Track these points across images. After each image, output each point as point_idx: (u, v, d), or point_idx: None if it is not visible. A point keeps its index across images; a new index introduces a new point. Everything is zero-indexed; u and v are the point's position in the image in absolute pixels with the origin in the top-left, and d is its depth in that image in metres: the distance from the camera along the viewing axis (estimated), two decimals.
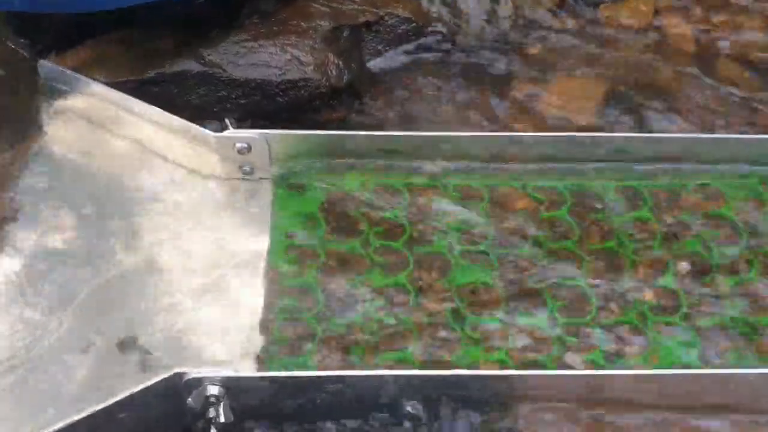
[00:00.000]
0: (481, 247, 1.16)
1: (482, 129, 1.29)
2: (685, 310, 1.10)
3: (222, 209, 1.18)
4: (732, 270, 1.14)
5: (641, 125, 1.31)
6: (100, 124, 1.24)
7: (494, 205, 1.19)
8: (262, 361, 1.03)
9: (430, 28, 1.38)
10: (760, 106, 1.33)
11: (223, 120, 1.19)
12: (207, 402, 0.95)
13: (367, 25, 1.35)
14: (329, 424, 1.00)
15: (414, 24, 1.37)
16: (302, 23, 1.29)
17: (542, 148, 1.20)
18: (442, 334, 1.08)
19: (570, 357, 1.06)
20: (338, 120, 1.30)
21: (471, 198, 1.20)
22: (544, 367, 1.05)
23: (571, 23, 1.43)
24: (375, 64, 1.37)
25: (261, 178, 1.20)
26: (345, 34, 1.32)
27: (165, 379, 0.93)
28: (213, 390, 0.95)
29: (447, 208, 1.19)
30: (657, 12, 1.45)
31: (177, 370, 0.94)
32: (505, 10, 1.42)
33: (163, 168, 1.21)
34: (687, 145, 1.21)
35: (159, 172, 1.21)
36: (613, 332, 1.08)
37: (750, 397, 1.01)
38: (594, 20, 1.43)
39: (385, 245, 1.16)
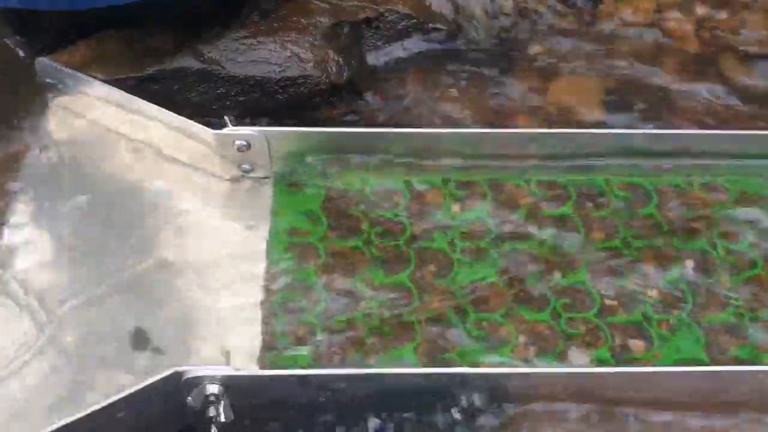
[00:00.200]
0: (484, 245, 1.15)
1: (484, 126, 1.28)
2: (690, 307, 1.09)
3: (222, 207, 1.17)
4: (738, 266, 1.13)
5: (644, 122, 1.30)
6: (99, 122, 1.23)
7: (497, 202, 1.18)
8: (262, 359, 1.02)
9: (430, 25, 1.37)
10: (764, 102, 1.32)
11: (222, 117, 1.18)
12: (207, 401, 0.93)
13: (367, 21, 1.34)
14: (330, 422, 0.99)
15: (414, 20, 1.36)
16: (302, 20, 1.29)
17: (545, 144, 1.19)
18: (445, 332, 1.07)
19: (575, 354, 1.05)
20: (338, 117, 1.29)
21: (473, 195, 1.19)
22: (548, 364, 1.04)
23: (572, 20, 1.42)
24: (375, 60, 1.36)
25: (261, 176, 1.19)
26: (345, 30, 1.32)
27: (164, 377, 0.92)
28: (213, 389, 0.93)
29: (449, 206, 1.18)
30: (658, 9, 1.44)
31: (176, 368, 0.93)
32: (506, 6, 1.41)
33: (163, 166, 1.20)
34: (692, 141, 1.20)
35: (158, 170, 1.20)
36: (619, 329, 1.07)
37: (758, 395, 1.00)
38: (596, 17, 1.42)
39: (387, 243, 1.15)
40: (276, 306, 1.08)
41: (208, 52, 1.25)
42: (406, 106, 1.31)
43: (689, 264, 1.13)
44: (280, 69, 1.25)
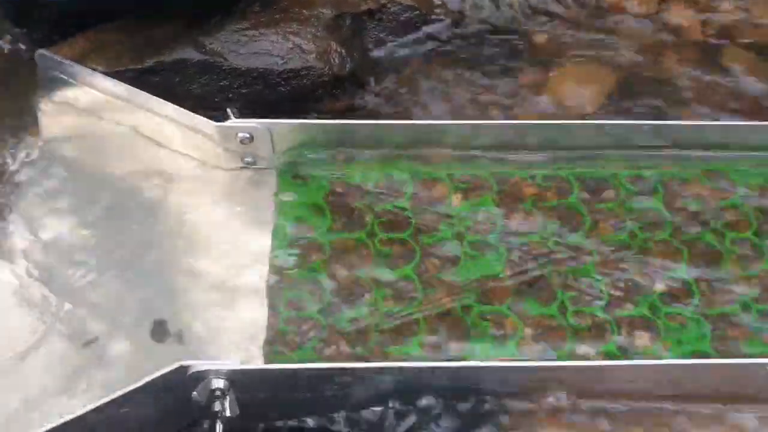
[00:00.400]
0: (489, 238, 1.14)
1: (488, 117, 1.27)
2: (697, 299, 1.08)
3: (225, 200, 1.16)
4: (744, 258, 1.12)
5: (648, 113, 1.29)
6: (100, 114, 1.22)
7: (502, 194, 1.18)
8: (267, 353, 1.02)
9: (433, 16, 1.36)
10: None
11: (225, 110, 1.17)
12: (212, 395, 0.93)
13: (370, 12, 1.33)
14: (336, 417, 0.99)
15: (417, 11, 1.35)
16: (304, 11, 1.27)
17: (550, 136, 1.18)
18: (450, 325, 1.06)
19: (582, 348, 1.04)
20: (341, 109, 1.28)
21: (478, 187, 1.18)
22: (554, 358, 1.03)
23: (576, 11, 1.41)
24: (377, 52, 1.35)
25: (264, 169, 1.18)
26: (347, 22, 1.31)
27: (169, 372, 0.92)
28: (218, 383, 0.93)
29: (453, 198, 1.17)
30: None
31: (181, 362, 0.92)
32: None
33: (165, 159, 1.19)
34: (697, 132, 1.19)
35: (160, 163, 1.19)
36: (625, 322, 1.07)
37: (765, 389, 1.00)
38: (600, 8, 1.41)
39: (391, 236, 1.14)
40: (280, 300, 1.07)
41: (210, 44, 1.24)
42: (410, 98, 1.31)
43: (695, 257, 1.12)
44: (282, 61, 1.24)
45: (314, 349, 1.03)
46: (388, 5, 1.34)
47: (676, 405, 1.01)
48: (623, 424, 0.99)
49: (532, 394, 1.00)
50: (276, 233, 1.13)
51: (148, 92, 1.18)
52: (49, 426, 0.87)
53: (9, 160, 1.19)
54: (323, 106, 1.27)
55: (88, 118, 1.22)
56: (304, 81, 1.25)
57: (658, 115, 1.29)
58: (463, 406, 0.99)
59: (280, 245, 1.12)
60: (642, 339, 1.06)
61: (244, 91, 1.25)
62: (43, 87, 1.25)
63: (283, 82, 1.24)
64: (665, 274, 1.11)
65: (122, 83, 1.20)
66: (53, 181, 1.16)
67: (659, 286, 1.10)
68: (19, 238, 1.11)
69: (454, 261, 1.12)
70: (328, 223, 1.14)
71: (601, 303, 1.08)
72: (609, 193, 1.18)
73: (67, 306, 1.05)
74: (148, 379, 0.90)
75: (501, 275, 1.11)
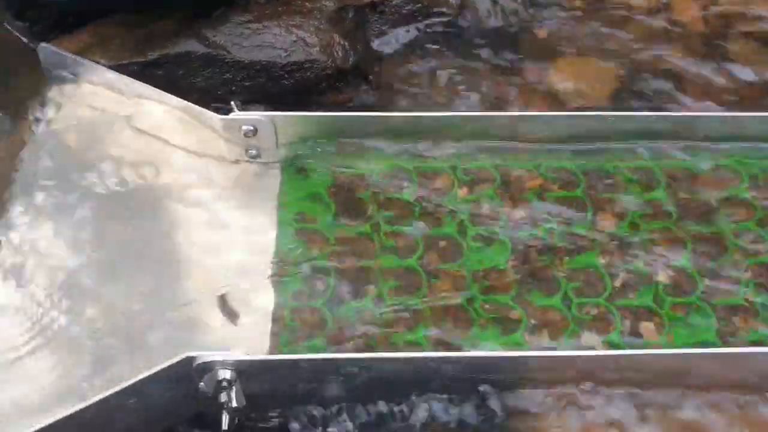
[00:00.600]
0: (494, 229, 1.14)
1: (491, 109, 1.28)
2: (701, 289, 1.09)
3: (229, 193, 1.16)
4: (748, 248, 1.12)
5: (652, 105, 1.29)
6: (103, 108, 1.22)
7: (506, 186, 1.18)
8: (273, 344, 1.02)
9: (435, 8, 1.36)
10: None
11: (229, 102, 1.17)
12: (219, 386, 0.93)
13: (372, 5, 1.34)
14: (342, 407, 0.99)
15: (419, 4, 1.36)
16: (307, 3, 1.28)
17: (554, 127, 1.18)
18: (456, 317, 1.06)
19: (587, 338, 1.05)
20: (344, 102, 1.28)
21: (482, 179, 1.18)
22: (559, 348, 1.03)
23: (579, 4, 1.41)
24: (380, 45, 1.35)
25: (268, 162, 1.18)
26: (350, 14, 1.31)
27: (175, 363, 0.92)
28: (225, 374, 0.93)
29: (457, 190, 1.17)
30: None
31: (187, 353, 0.92)
32: None
33: (169, 152, 1.19)
34: (700, 123, 1.19)
35: (165, 156, 1.19)
36: (630, 312, 1.07)
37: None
38: (602, 0, 1.42)
39: (395, 229, 1.14)
40: (286, 292, 1.07)
41: (213, 37, 1.24)
42: (412, 91, 1.31)
43: (700, 247, 1.12)
44: (285, 53, 1.24)
45: (320, 340, 1.03)
46: None
47: (684, 394, 1.01)
48: (634, 412, 0.99)
49: (537, 384, 1.00)
50: (280, 226, 1.13)
51: (151, 85, 1.18)
52: (57, 416, 0.87)
53: (9, 153, 1.19)
54: (326, 98, 1.27)
55: (91, 112, 1.22)
56: (308, 74, 1.25)
57: (662, 106, 1.29)
58: (470, 396, 0.99)
59: (285, 238, 1.12)
60: (646, 329, 1.06)
61: (247, 84, 1.25)
62: (45, 80, 1.25)
63: (286, 75, 1.24)
64: (670, 265, 1.11)
65: (125, 76, 1.20)
66: (53, 176, 1.16)
67: (663, 277, 1.10)
68: (17, 233, 1.11)
69: (458, 252, 1.12)
70: (333, 215, 1.14)
71: (606, 294, 1.08)
72: (613, 185, 1.18)
73: (69, 303, 1.05)
74: (155, 370, 0.90)
75: (505, 267, 1.11)
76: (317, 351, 1.02)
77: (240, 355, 0.94)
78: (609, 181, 1.18)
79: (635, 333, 1.06)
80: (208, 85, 1.25)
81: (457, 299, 1.08)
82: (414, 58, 1.34)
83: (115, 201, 1.14)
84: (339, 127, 1.18)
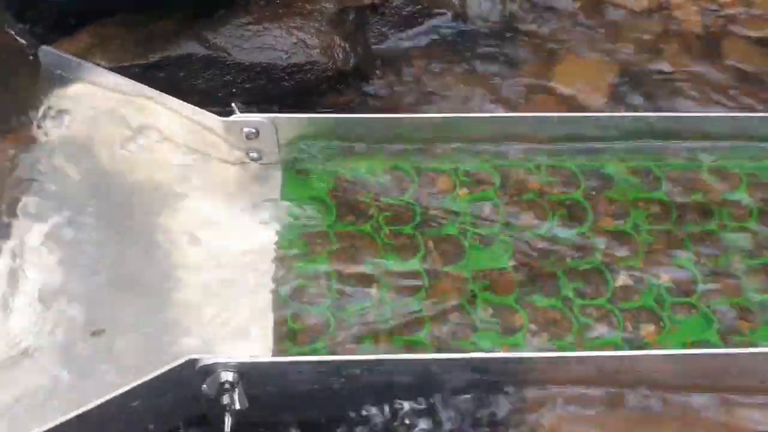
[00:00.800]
0: (494, 230, 1.14)
1: (491, 111, 1.28)
2: (701, 290, 1.09)
3: (230, 195, 1.16)
4: (748, 249, 1.13)
5: (651, 106, 1.30)
6: (104, 110, 1.22)
7: (506, 187, 1.18)
8: (275, 347, 1.02)
9: (435, 10, 1.36)
10: None
11: (230, 104, 1.17)
12: (221, 388, 0.93)
13: (373, 7, 1.34)
14: (345, 409, 0.99)
15: (420, 6, 1.36)
16: (307, 5, 1.28)
17: (554, 128, 1.18)
18: (457, 318, 1.07)
19: (587, 340, 1.05)
20: (345, 104, 1.29)
21: (482, 181, 1.19)
22: (561, 349, 1.04)
23: (578, 5, 1.41)
24: (381, 47, 1.35)
25: (269, 163, 1.18)
26: (350, 16, 1.31)
27: (178, 365, 0.92)
28: (227, 376, 0.93)
29: (457, 191, 1.18)
30: None
31: (190, 356, 0.92)
32: None
33: (170, 154, 1.19)
34: (699, 123, 1.19)
35: (165, 158, 1.19)
36: (631, 314, 1.07)
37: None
38: (601, 2, 1.42)
39: (396, 230, 1.14)
40: (287, 294, 1.07)
41: (213, 39, 1.24)
42: (413, 92, 1.31)
43: (700, 248, 1.13)
44: (286, 55, 1.24)
45: (321, 342, 1.04)
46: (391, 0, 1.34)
47: (686, 394, 1.01)
48: (642, 413, 1.00)
49: (538, 385, 1.00)
50: (281, 228, 1.13)
51: (152, 88, 1.18)
52: (61, 419, 0.87)
53: (10, 155, 1.19)
54: (327, 100, 1.27)
55: (92, 114, 1.22)
56: (308, 75, 1.25)
57: (661, 107, 1.29)
58: (474, 397, 0.99)
59: (286, 239, 1.12)
60: (648, 330, 1.06)
61: (248, 85, 1.25)
62: (46, 83, 1.25)
63: (287, 77, 1.25)
64: (670, 266, 1.11)
65: (127, 79, 1.20)
66: (55, 177, 1.16)
67: (664, 278, 1.10)
68: (18, 232, 1.11)
69: (459, 254, 1.12)
70: (334, 217, 1.15)
71: (607, 295, 1.08)
72: (613, 186, 1.18)
73: (70, 301, 1.05)
74: (157, 372, 0.91)
75: (506, 268, 1.11)
76: (319, 353, 1.02)
77: (242, 357, 0.94)
78: (609, 181, 1.19)
79: (636, 334, 1.06)
80: (209, 87, 1.25)
81: (458, 300, 1.08)
82: (414, 59, 1.35)
83: (116, 202, 1.14)
84: (340, 128, 1.18)
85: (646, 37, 1.39)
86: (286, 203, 1.16)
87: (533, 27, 1.39)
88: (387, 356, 0.99)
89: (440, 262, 1.11)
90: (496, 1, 1.39)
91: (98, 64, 1.23)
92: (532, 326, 1.06)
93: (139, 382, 0.90)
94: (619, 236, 1.14)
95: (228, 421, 0.93)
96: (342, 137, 1.19)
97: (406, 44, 1.36)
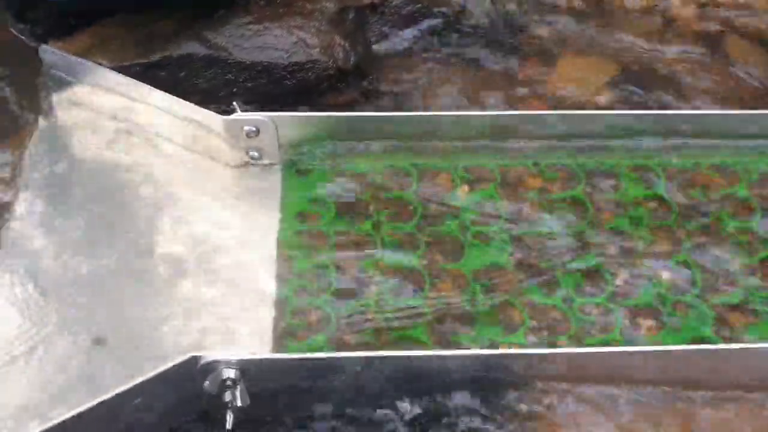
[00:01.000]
0: (494, 228, 1.15)
1: (492, 109, 1.28)
2: (700, 287, 1.09)
3: (231, 194, 1.17)
4: (747, 247, 1.13)
5: (650, 104, 1.30)
6: (105, 109, 1.23)
7: (506, 184, 1.18)
8: (276, 345, 1.02)
9: (435, 9, 1.37)
10: None
11: (231, 103, 1.17)
12: (223, 385, 0.93)
13: (372, 6, 1.34)
14: (345, 406, 0.99)
15: (419, 5, 1.36)
16: (307, 5, 1.28)
17: (554, 126, 1.19)
18: (457, 315, 1.07)
19: (587, 336, 1.05)
20: (345, 103, 1.29)
21: (482, 178, 1.19)
22: (559, 346, 1.04)
23: (577, 4, 1.42)
24: (380, 46, 1.36)
25: (269, 162, 1.19)
26: (350, 15, 1.31)
27: (180, 363, 0.92)
28: (229, 373, 0.93)
29: (459, 190, 1.18)
30: None
31: (192, 353, 0.93)
32: None
33: (171, 153, 1.20)
34: (699, 121, 1.20)
35: (166, 157, 1.19)
36: (630, 310, 1.07)
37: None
38: (600, 1, 1.42)
39: (396, 227, 1.14)
40: (288, 292, 1.08)
41: (214, 38, 1.24)
42: (413, 91, 1.31)
43: (699, 245, 1.13)
44: (286, 55, 1.24)
45: (322, 339, 1.04)
46: None
47: (687, 391, 1.01)
48: (640, 409, 1.00)
49: (540, 382, 1.01)
50: (282, 226, 1.13)
51: (153, 87, 1.19)
52: (63, 417, 0.87)
53: (10, 156, 1.19)
54: (327, 99, 1.28)
55: (92, 113, 1.23)
56: (309, 74, 1.25)
57: (661, 105, 1.30)
58: (473, 394, 0.99)
59: (287, 237, 1.13)
60: (647, 327, 1.07)
61: (249, 85, 1.25)
62: (47, 82, 1.26)
63: (288, 76, 1.25)
64: (670, 263, 1.11)
65: (127, 78, 1.20)
66: (55, 177, 1.16)
67: (664, 275, 1.11)
68: (19, 233, 1.11)
69: (459, 251, 1.12)
70: (334, 215, 1.15)
71: (606, 292, 1.09)
72: (613, 184, 1.19)
73: (70, 302, 1.05)
74: (160, 369, 0.91)
75: (506, 266, 1.11)
76: (320, 350, 1.02)
77: (244, 354, 0.95)
78: (609, 179, 1.19)
79: (636, 331, 1.06)
80: (210, 86, 1.25)
81: (458, 298, 1.08)
82: (414, 58, 1.35)
83: (115, 201, 1.15)
84: (340, 127, 1.19)
85: (646, 35, 1.39)
86: (286, 201, 1.16)
87: (533, 26, 1.39)
88: (387, 353, 1.00)
89: (440, 259, 1.12)
90: (495, 0, 1.39)
91: (99, 64, 1.23)
92: (532, 323, 1.06)
93: (140, 380, 0.91)
94: (619, 234, 1.14)
95: (230, 418, 0.93)
96: (342, 136, 1.19)
97: (406, 43, 1.36)
